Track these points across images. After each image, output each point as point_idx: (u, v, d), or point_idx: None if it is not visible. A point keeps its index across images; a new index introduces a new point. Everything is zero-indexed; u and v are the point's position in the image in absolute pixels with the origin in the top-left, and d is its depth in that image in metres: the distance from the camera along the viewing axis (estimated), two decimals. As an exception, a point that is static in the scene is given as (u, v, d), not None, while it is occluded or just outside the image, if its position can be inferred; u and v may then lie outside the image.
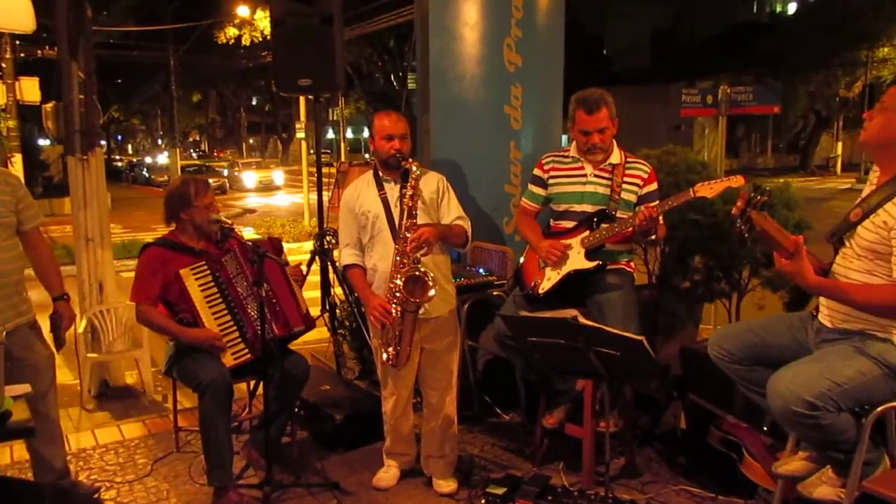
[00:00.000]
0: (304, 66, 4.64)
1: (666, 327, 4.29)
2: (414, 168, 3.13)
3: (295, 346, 3.70)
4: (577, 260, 3.39)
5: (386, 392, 3.45)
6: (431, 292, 3.05)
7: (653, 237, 3.35)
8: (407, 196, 3.13)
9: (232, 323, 3.42)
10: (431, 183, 3.32)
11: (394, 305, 3.12)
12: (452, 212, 3.34)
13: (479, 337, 4.18)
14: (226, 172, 31.17)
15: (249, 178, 30.06)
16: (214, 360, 3.32)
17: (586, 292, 3.43)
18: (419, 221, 3.15)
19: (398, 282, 3.09)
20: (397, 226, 3.18)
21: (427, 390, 3.46)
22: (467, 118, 4.39)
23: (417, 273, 3.07)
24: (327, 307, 4.97)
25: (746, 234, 2.35)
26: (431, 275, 3.07)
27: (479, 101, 4.40)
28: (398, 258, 3.12)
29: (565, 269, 3.41)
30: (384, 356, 3.20)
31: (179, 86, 25.69)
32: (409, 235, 3.10)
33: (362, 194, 3.33)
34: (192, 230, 3.49)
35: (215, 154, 58.60)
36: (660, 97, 20.02)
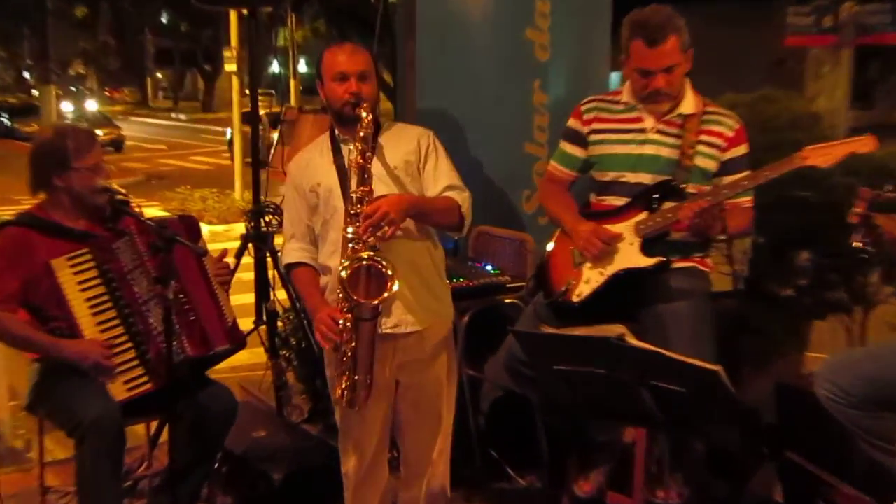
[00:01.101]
0: (236, -34, 4.65)
1: (755, 353, 4.30)
2: (363, 113, 3.13)
3: (217, 372, 3.70)
4: (630, 254, 3.40)
5: (346, 444, 3.44)
6: (395, 287, 3.01)
7: (721, 236, 3.37)
8: (354, 153, 3.11)
9: (126, 337, 3.43)
10: (408, 140, 3.31)
11: (342, 316, 3.09)
12: (441, 179, 3.31)
13: (483, 364, 4.19)
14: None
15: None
16: (99, 390, 3.33)
17: (641, 301, 3.44)
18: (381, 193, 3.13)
19: (343, 275, 3.03)
20: (346, 195, 3.17)
21: (406, 442, 3.46)
22: (470, 46, 4.39)
23: (364, 261, 3.04)
24: (264, 318, 4.97)
25: (871, 249, 2.34)
26: (385, 261, 3.03)
27: (487, 21, 4.40)
28: (350, 244, 3.08)
29: (612, 268, 3.42)
30: (337, 391, 3.20)
31: (56, -7, 25.61)
32: (358, 211, 3.05)
33: (312, 163, 3.34)
34: (69, 203, 3.49)
35: (108, 94, 58.47)
36: (755, 18, 19.99)
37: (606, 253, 3.42)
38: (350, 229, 3.08)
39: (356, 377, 3.11)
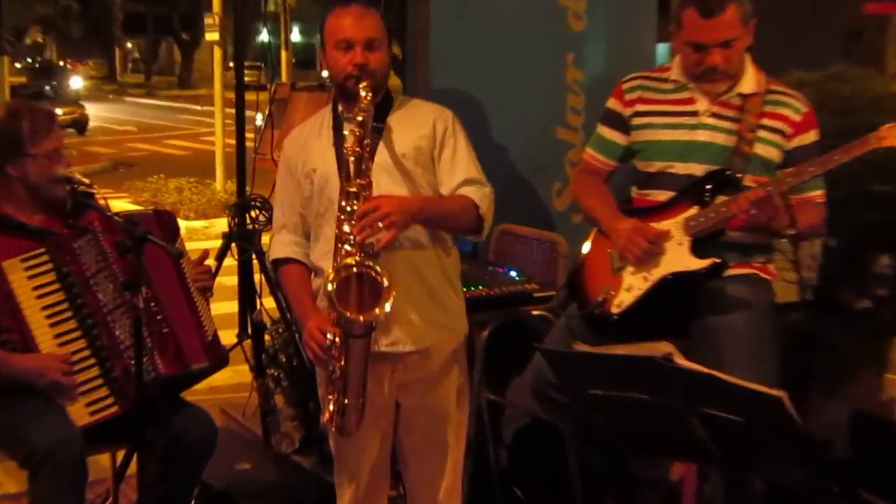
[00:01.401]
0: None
1: (826, 375, 4.29)
2: (362, 91, 3.13)
3: (194, 394, 3.72)
4: (678, 256, 3.40)
5: (341, 476, 3.46)
6: (388, 305, 2.99)
7: (789, 231, 3.36)
8: (351, 139, 3.10)
9: (88, 352, 3.44)
10: (422, 121, 3.31)
11: (334, 329, 3.10)
12: (458, 171, 3.31)
13: (506, 386, 4.19)
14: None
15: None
16: (57, 413, 3.34)
17: (691, 313, 3.44)
18: (386, 189, 3.14)
19: (329, 288, 3.02)
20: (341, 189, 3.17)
21: (410, 477, 3.47)
22: (493, 13, 4.41)
23: (355, 270, 3.03)
24: (249, 330, 4.98)
25: None
26: (379, 270, 3.01)
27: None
28: (342, 246, 3.07)
29: (658, 272, 3.42)
30: (326, 414, 3.20)
31: (10, -51, 25.77)
32: (352, 208, 3.04)
33: (308, 143, 3.35)
34: (23, 195, 3.51)
35: (69, 66, 58.67)
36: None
37: (651, 255, 3.41)
38: (346, 228, 3.06)
39: (346, 400, 3.13)
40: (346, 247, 3.05)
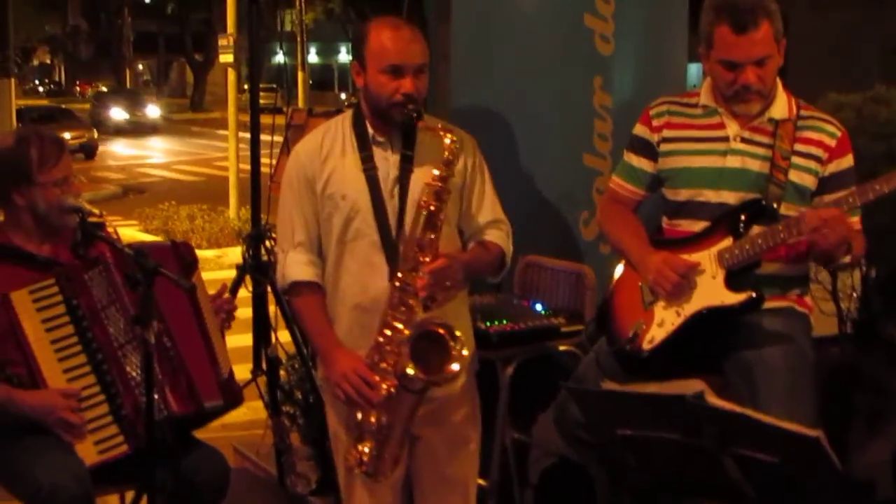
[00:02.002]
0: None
1: (868, 414, 4.26)
2: (450, 143, 3.16)
3: (206, 432, 3.72)
4: (713, 289, 3.40)
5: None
6: (455, 366, 3.06)
7: (845, 260, 3.35)
8: (429, 190, 3.14)
9: (97, 388, 3.45)
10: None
11: (384, 377, 3.14)
12: (484, 212, 3.37)
13: (531, 424, 4.19)
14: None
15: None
16: (65, 450, 3.35)
17: (725, 347, 3.44)
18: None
19: (400, 339, 3.10)
20: (397, 234, 3.22)
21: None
22: (518, 34, 4.42)
23: (435, 329, 3.10)
24: (264, 366, 4.98)
25: None
26: (459, 334, 3.09)
27: (538, 4, 4.44)
28: (397, 294, 3.15)
29: (691, 307, 3.41)
30: (354, 456, 3.22)
31: (18, -33, 26.01)
32: (420, 259, 3.12)
33: (332, 162, 3.35)
34: (31, 224, 3.54)
35: (78, 88, 59.07)
36: (864, -3, 19.84)
37: (683, 289, 3.42)
38: (400, 275, 3.14)
39: (383, 448, 3.16)
40: (407, 299, 3.15)
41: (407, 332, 3.11)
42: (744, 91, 3.39)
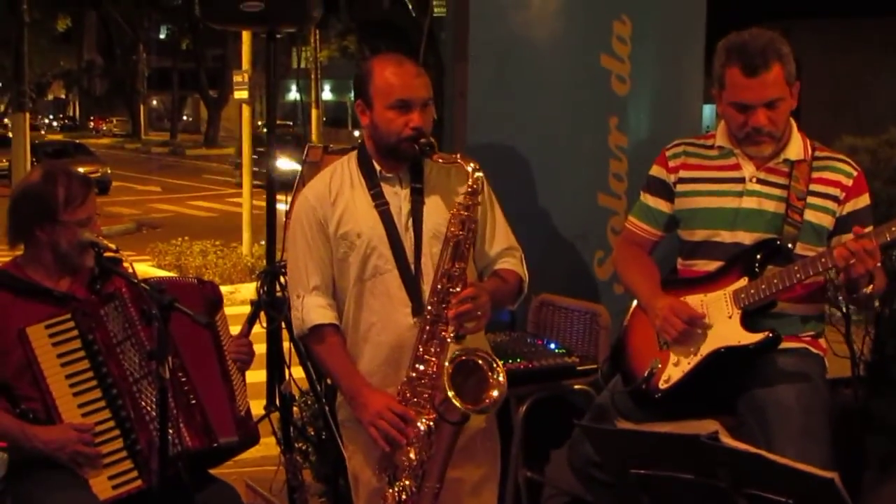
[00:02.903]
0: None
1: (882, 456, 4.25)
2: (473, 171, 3.18)
3: (220, 468, 3.72)
4: (729, 329, 3.40)
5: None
6: (495, 393, 3.07)
7: (866, 291, 3.36)
8: (455, 220, 3.16)
9: (112, 423, 3.44)
10: (460, 181, 3.32)
11: (419, 412, 3.15)
12: (498, 240, 3.39)
13: (545, 463, 4.18)
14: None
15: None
16: (79, 486, 3.34)
17: (739, 387, 3.44)
18: (437, 257, 3.21)
19: (440, 370, 3.10)
20: (416, 268, 3.24)
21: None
22: (534, 73, 4.45)
23: (475, 359, 3.11)
24: (277, 402, 4.99)
25: None
26: (498, 366, 3.12)
27: (555, 44, 4.48)
28: (428, 327, 3.16)
29: (707, 346, 3.42)
30: (392, 497, 3.21)
31: (35, 3, 26.17)
32: (451, 290, 3.14)
33: (341, 200, 3.37)
34: (50, 260, 3.54)
35: (92, 123, 59.30)
36: (880, 38, 19.81)
37: (688, 336, 3.42)
38: (430, 307, 3.17)
39: (426, 483, 3.16)
40: (440, 330, 3.16)
41: (444, 363, 3.10)
42: (755, 133, 3.41)
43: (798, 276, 3.28)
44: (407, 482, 3.19)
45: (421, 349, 3.18)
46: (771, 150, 3.46)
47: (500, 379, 3.10)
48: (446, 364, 3.09)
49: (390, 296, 3.28)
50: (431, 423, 3.14)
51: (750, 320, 3.38)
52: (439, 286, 3.16)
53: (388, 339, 3.28)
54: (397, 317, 3.26)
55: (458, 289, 3.15)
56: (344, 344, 3.37)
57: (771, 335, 3.34)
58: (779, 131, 3.43)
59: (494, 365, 3.11)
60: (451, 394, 3.05)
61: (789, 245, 3.39)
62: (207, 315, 3.52)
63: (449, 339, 3.15)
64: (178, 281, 3.77)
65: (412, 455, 3.17)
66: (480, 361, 3.12)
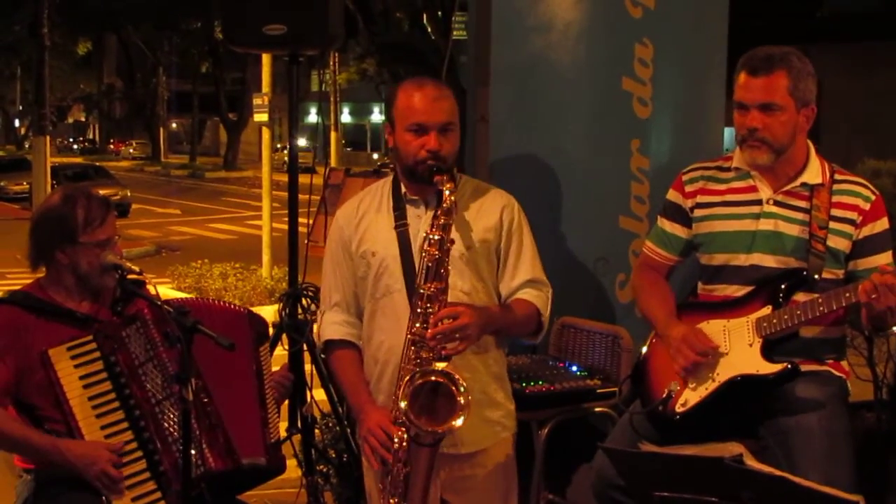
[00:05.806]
0: (274, 1, 4.75)
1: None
2: (446, 191, 3.18)
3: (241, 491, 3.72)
4: (748, 357, 3.40)
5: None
6: (458, 421, 3.05)
7: (894, 329, 3.35)
8: (431, 237, 3.17)
9: (135, 444, 3.45)
10: (489, 210, 3.38)
11: (398, 430, 3.16)
12: (522, 271, 3.39)
13: (567, 486, 4.17)
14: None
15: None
16: (101, 506, 3.36)
17: (761, 412, 3.43)
18: (451, 282, 3.19)
19: (400, 395, 3.10)
20: (416, 287, 3.23)
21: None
22: (556, 97, 4.47)
23: (432, 379, 3.10)
24: (298, 424, 4.99)
25: None
26: (461, 381, 3.08)
27: (577, 68, 4.48)
28: (412, 347, 3.16)
29: (726, 374, 3.42)
30: None
31: (56, 27, 26.35)
32: (430, 311, 3.13)
33: (366, 220, 3.41)
34: (72, 282, 3.56)
35: (112, 146, 59.60)
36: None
37: (701, 367, 3.42)
38: (417, 325, 3.15)
39: (408, 502, 3.17)
40: (415, 348, 3.14)
41: (404, 392, 3.10)
42: (749, 135, 3.43)
43: (821, 308, 3.28)
44: (395, 499, 3.19)
45: (402, 369, 3.17)
46: (767, 160, 3.44)
47: (462, 403, 3.06)
48: (406, 383, 3.09)
49: (398, 316, 3.29)
50: (405, 440, 3.14)
51: (770, 350, 3.38)
52: (418, 308, 3.15)
53: (394, 359, 3.28)
54: (402, 336, 3.25)
55: (435, 309, 3.14)
56: (357, 359, 3.40)
57: (789, 366, 3.34)
58: (776, 141, 3.42)
59: (459, 385, 3.07)
60: (404, 407, 3.07)
61: (816, 273, 3.39)
62: (255, 347, 3.62)
63: (431, 361, 3.13)
64: (231, 310, 3.78)
65: (394, 472, 3.17)
66: (437, 380, 3.10)
